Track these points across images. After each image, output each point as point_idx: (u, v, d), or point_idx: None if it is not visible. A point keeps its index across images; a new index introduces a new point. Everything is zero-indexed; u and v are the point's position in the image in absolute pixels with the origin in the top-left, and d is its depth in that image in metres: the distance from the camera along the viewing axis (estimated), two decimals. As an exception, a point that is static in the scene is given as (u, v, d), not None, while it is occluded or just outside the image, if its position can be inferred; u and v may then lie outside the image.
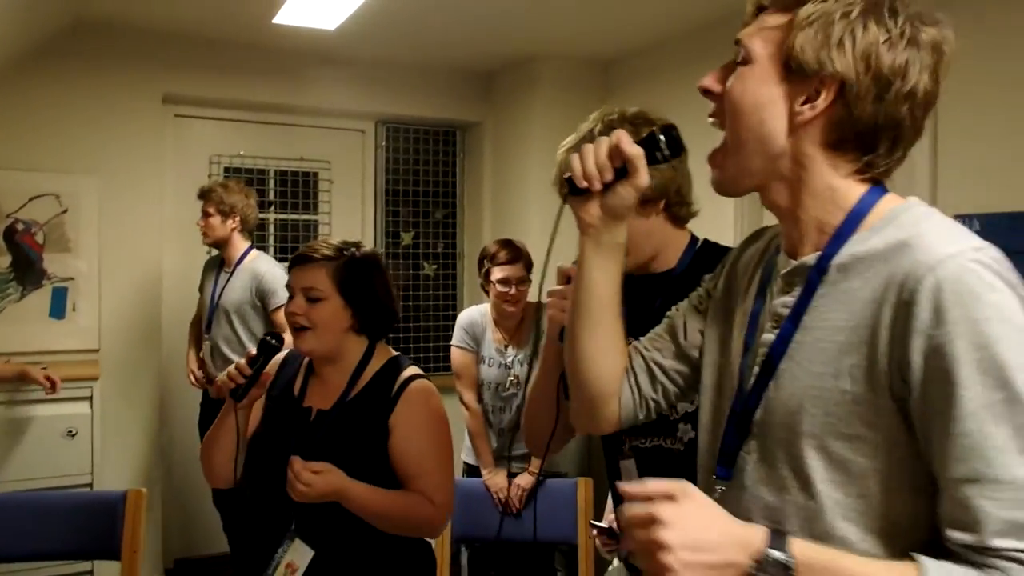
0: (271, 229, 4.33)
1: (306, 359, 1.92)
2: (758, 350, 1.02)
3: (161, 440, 3.89)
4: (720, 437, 1.05)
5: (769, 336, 1.01)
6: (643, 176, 1.06)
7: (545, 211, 3.77)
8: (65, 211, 3.64)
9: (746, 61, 0.99)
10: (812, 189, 0.98)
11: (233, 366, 1.85)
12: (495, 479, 2.97)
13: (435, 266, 4.71)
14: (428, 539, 1.97)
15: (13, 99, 3.57)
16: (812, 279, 0.97)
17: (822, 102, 0.94)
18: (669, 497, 0.85)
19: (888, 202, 0.99)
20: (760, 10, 1.01)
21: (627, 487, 0.88)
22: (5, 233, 3.52)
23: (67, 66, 3.66)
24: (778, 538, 0.85)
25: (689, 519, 0.84)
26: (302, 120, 4.31)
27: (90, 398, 3.27)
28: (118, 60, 3.75)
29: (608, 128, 1.47)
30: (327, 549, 1.76)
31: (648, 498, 0.86)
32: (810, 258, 0.98)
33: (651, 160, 1.07)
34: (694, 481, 0.92)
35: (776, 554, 0.84)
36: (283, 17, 3.44)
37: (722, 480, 1.02)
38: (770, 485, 0.97)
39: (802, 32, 0.94)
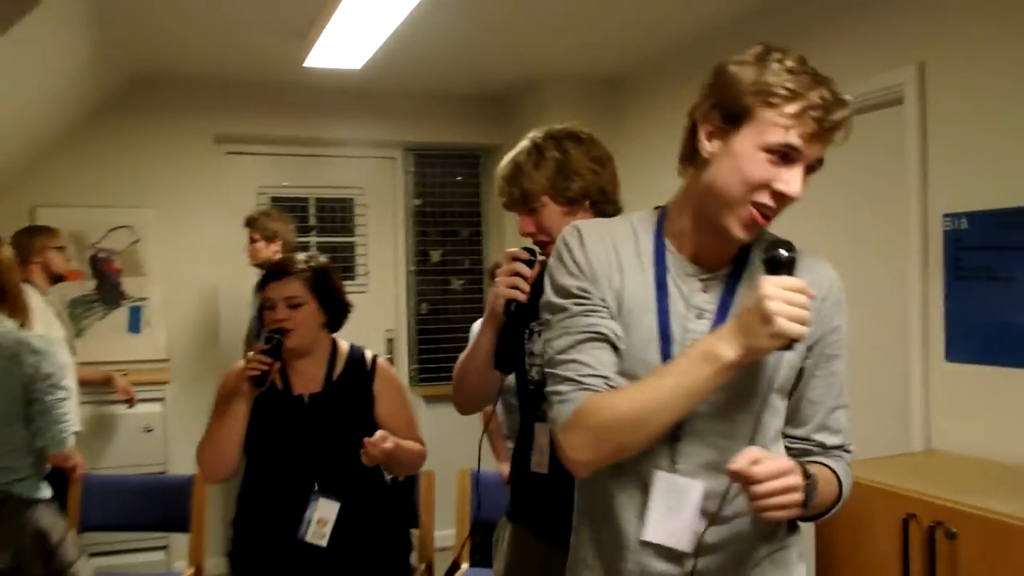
0: (314, 251, 5.07)
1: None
2: (686, 336, 1.32)
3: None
4: None
5: (699, 324, 1.33)
6: None
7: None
8: (137, 240, 4.48)
9: (815, 170, 1.30)
10: None
11: (251, 358, 2.23)
12: (508, 469, 3.58)
13: (462, 281, 5.38)
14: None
15: (89, 148, 4.41)
16: (732, 282, 1.36)
17: None
18: (768, 461, 1.19)
19: None
20: (827, 127, 1.25)
21: (741, 467, 1.18)
22: (91, 261, 4.38)
23: (131, 116, 4.48)
24: (800, 465, 1.25)
25: (775, 470, 1.20)
26: (337, 151, 5.05)
27: (162, 399, 4.07)
28: (174, 108, 4.56)
29: (538, 150, 1.85)
30: (350, 499, 2.27)
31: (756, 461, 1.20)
32: (726, 269, 1.37)
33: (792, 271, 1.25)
34: None
35: (807, 479, 1.24)
36: (312, 61, 4.05)
37: (673, 441, 1.33)
38: (722, 434, 1.32)
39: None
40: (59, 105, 3.93)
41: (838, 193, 3.36)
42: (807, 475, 1.25)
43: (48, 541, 2.56)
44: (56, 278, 3.78)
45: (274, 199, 4.93)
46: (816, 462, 1.37)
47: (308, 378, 2.37)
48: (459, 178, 5.41)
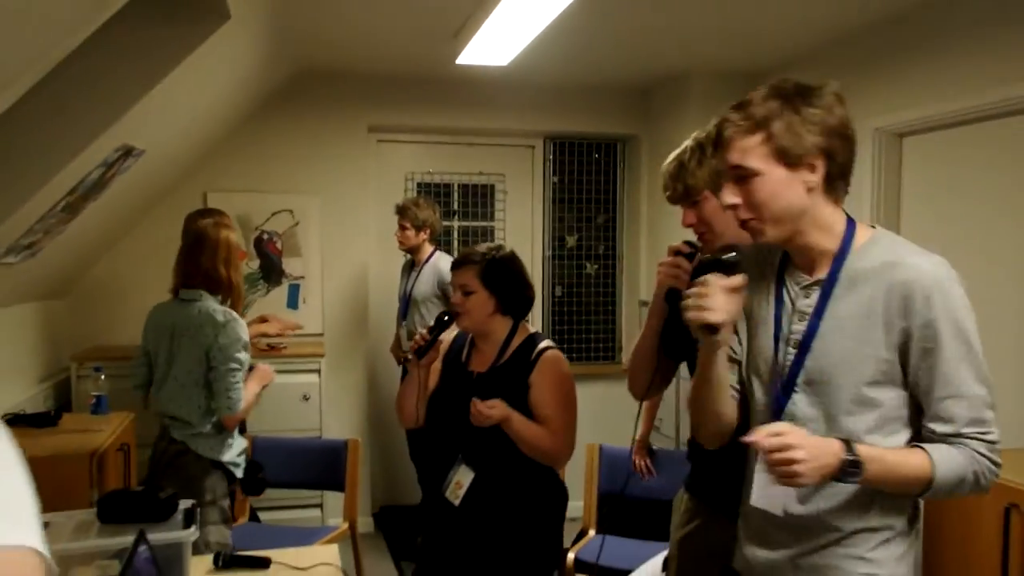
0: (455, 235, 5.39)
1: (471, 335, 2.70)
2: (790, 337, 1.60)
3: (368, 405, 5.09)
4: (772, 397, 1.63)
5: (799, 326, 1.59)
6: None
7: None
8: (297, 223, 4.91)
9: (755, 174, 1.54)
10: (821, 223, 1.58)
11: (418, 334, 2.61)
12: (636, 447, 3.79)
13: (596, 266, 5.61)
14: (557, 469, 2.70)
15: (255, 137, 4.85)
16: (827, 288, 1.57)
17: (820, 167, 1.54)
18: (792, 434, 1.46)
19: (863, 230, 1.60)
20: (722, 144, 1.59)
21: (758, 438, 1.45)
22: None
23: (293, 108, 4.89)
24: (848, 444, 1.47)
25: (807, 441, 1.45)
26: (480, 140, 5.36)
27: (318, 370, 4.48)
28: (332, 100, 4.95)
29: (701, 149, 1.99)
30: (483, 472, 2.53)
31: (776, 435, 1.45)
32: (823, 274, 1.59)
33: (731, 271, 1.56)
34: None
35: (850, 456, 1.45)
36: (464, 58, 4.30)
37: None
38: (818, 421, 1.56)
39: (783, 140, 1.52)
40: (233, 101, 4.36)
41: (958, 194, 3.54)
42: (851, 459, 1.46)
43: (202, 497, 2.85)
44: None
45: (420, 185, 5.29)
46: (923, 447, 1.53)
47: (483, 358, 2.64)
48: (597, 167, 5.60)
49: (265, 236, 4.86)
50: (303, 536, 3.52)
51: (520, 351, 2.60)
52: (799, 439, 1.44)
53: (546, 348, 2.60)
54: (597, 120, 5.38)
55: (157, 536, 1.99)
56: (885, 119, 3.73)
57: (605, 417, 4.59)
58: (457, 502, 2.54)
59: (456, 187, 5.40)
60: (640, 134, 5.41)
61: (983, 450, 1.50)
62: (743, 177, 1.56)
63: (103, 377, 3.53)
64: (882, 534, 1.58)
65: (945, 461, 1.50)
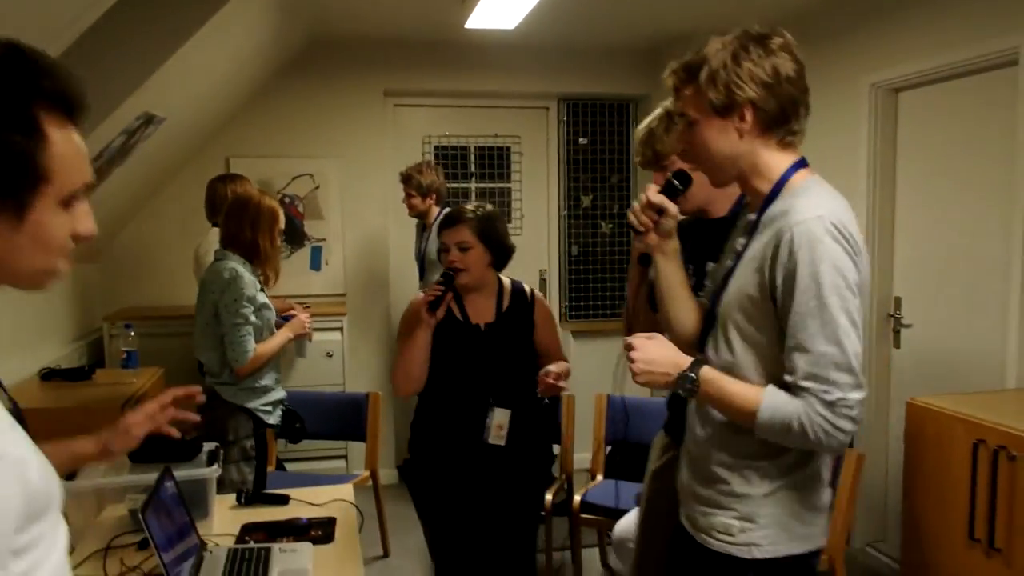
0: (473, 196, 5.48)
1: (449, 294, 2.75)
2: (718, 272, 1.75)
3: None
4: (705, 324, 1.78)
5: (728, 263, 1.72)
6: (672, 209, 1.75)
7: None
8: (318, 187, 5.04)
9: (693, 123, 1.66)
10: (759, 168, 1.65)
11: (429, 288, 2.67)
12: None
13: (611, 225, 5.69)
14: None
15: (275, 103, 4.97)
16: (751, 229, 1.66)
17: (748, 115, 1.61)
18: (645, 339, 1.67)
19: (800, 176, 1.64)
20: (676, 90, 1.70)
21: (627, 338, 1.69)
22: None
23: (310, 74, 5.00)
24: (697, 364, 1.62)
25: (648, 348, 1.66)
26: (496, 102, 5.43)
27: (341, 329, 4.63)
28: (348, 65, 5.05)
29: (669, 117, 2.12)
30: (517, 408, 2.70)
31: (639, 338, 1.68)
32: (752, 216, 1.68)
33: (673, 196, 1.75)
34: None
35: (689, 373, 1.62)
36: (472, 22, 4.42)
37: (701, 352, 1.74)
38: (718, 351, 1.68)
39: (708, 91, 1.61)
40: (250, 68, 4.48)
41: (952, 147, 3.62)
42: (687, 374, 1.63)
43: (224, 437, 3.06)
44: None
45: (437, 148, 5.39)
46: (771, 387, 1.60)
47: (482, 310, 2.78)
48: (610, 127, 5.65)
49: (287, 200, 4.99)
50: (326, 482, 3.68)
51: (515, 296, 2.81)
52: (642, 343, 1.66)
53: (532, 289, 2.88)
54: (609, 81, 5.43)
55: (183, 473, 2.14)
56: (881, 74, 3.77)
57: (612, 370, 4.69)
58: (503, 442, 2.69)
59: (473, 149, 5.49)
60: (652, 94, 5.45)
61: (819, 407, 1.51)
62: (690, 124, 1.68)
63: (132, 334, 3.70)
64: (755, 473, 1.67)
65: (776, 404, 1.56)
